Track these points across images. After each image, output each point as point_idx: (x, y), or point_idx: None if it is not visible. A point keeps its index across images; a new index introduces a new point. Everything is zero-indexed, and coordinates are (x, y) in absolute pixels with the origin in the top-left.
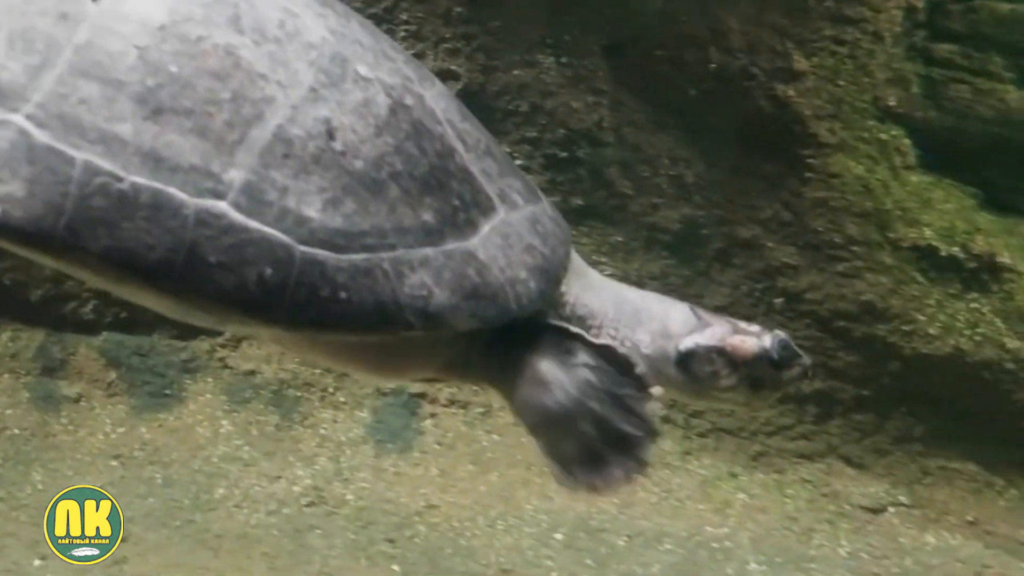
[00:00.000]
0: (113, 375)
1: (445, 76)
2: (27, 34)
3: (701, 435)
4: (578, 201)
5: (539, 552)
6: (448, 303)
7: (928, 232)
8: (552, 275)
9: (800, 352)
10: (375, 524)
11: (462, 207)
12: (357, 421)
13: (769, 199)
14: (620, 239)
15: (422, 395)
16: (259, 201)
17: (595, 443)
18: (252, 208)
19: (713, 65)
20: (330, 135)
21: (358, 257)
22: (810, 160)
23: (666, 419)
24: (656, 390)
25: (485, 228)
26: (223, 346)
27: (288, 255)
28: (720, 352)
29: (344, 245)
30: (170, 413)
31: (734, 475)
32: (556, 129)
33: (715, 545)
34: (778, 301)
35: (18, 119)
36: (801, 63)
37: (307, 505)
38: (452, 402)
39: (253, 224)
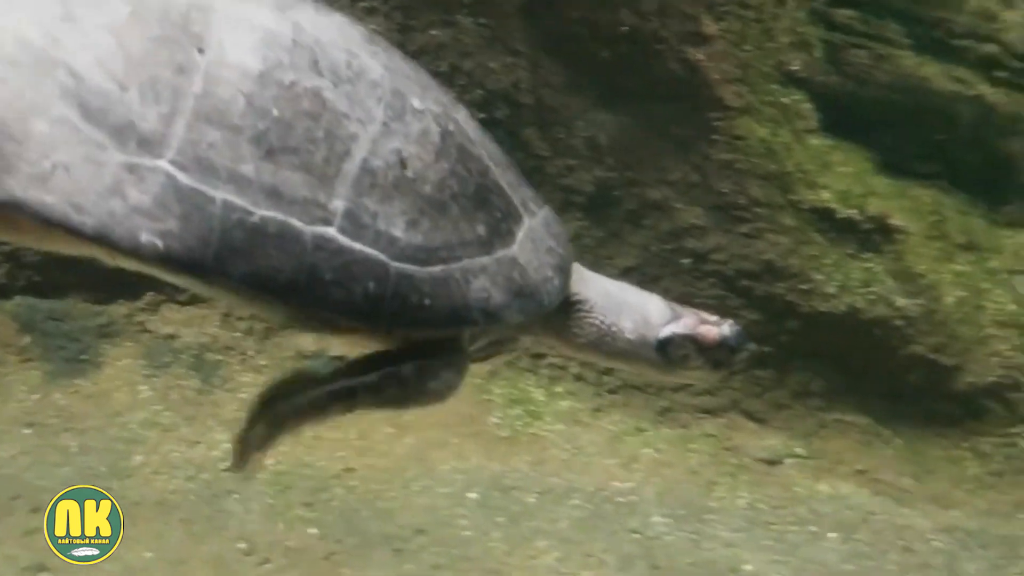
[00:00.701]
0: (27, 340)
1: None
2: (154, 86)
3: (611, 391)
4: None
5: (453, 512)
6: (503, 303)
7: (827, 195)
8: (568, 272)
9: (749, 339)
10: (293, 488)
11: (502, 218)
12: None
13: (678, 161)
14: None
15: (341, 358)
16: (359, 225)
17: None
18: (354, 232)
19: (625, 28)
20: (403, 164)
21: (436, 269)
22: (717, 123)
23: (578, 377)
24: None
25: (520, 235)
26: (142, 310)
27: (385, 271)
28: (691, 339)
29: (425, 259)
30: (86, 379)
31: (641, 430)
32: (475, 90)
33: (621, 499)
34: (685, 261)
35: (164, 165)
36: (710, 27)
37: (225, 470)
38: None
39: (356, 246)
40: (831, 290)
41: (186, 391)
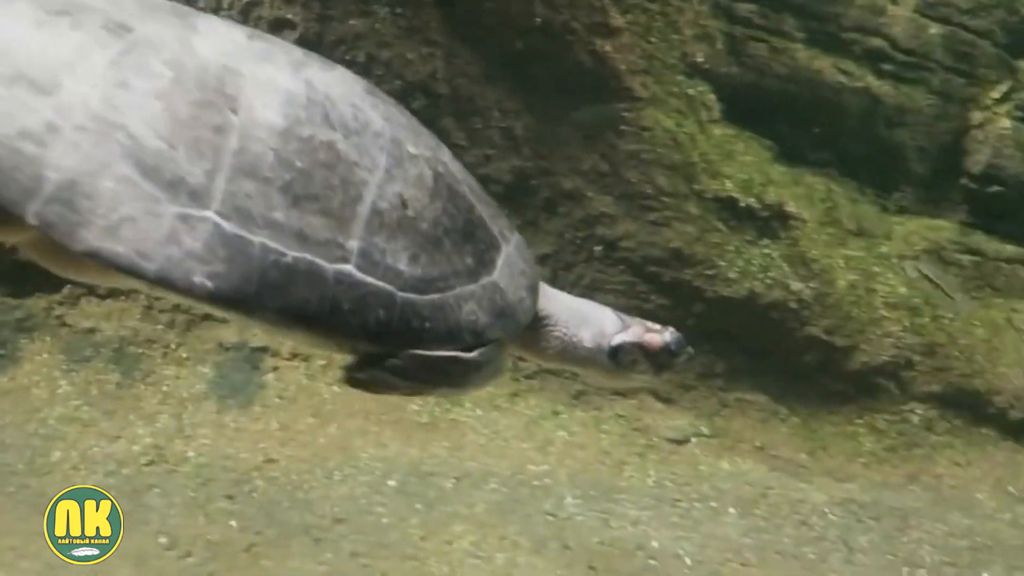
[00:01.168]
0: None
1: (281, 25)
2: (198, 144)
3: (528, 377)
4: None
5: (372, 499)
6: (488, 323)
7: (729, 184)
8: (536, 291)
9: (688, 344)
10: (215, 481)
11: (485, 249)
12: (200, 376)
13: (589, 151)
14: None
15: (264, 348)
16: (371, 262)
17: None
18: (367, 268)
19: (538, 19)
20: (404, 205)
21: (434, 296)
22: (625, 113)
23: None
24: None
25: (499, 262)
26: (61, 303)
27: (392, 300)
28: (638, 346)
29: (424, 288)
30: (3, 374)
31: (556, 413)
32: (393, 80)
33: (536, 482)
34: (597, 248)
35: (211, 215)
36: (617, 19)
37: (147, 464)
38: (294, 355)
39: (369, 280)
40: (732, 275)
41: (106, 385)
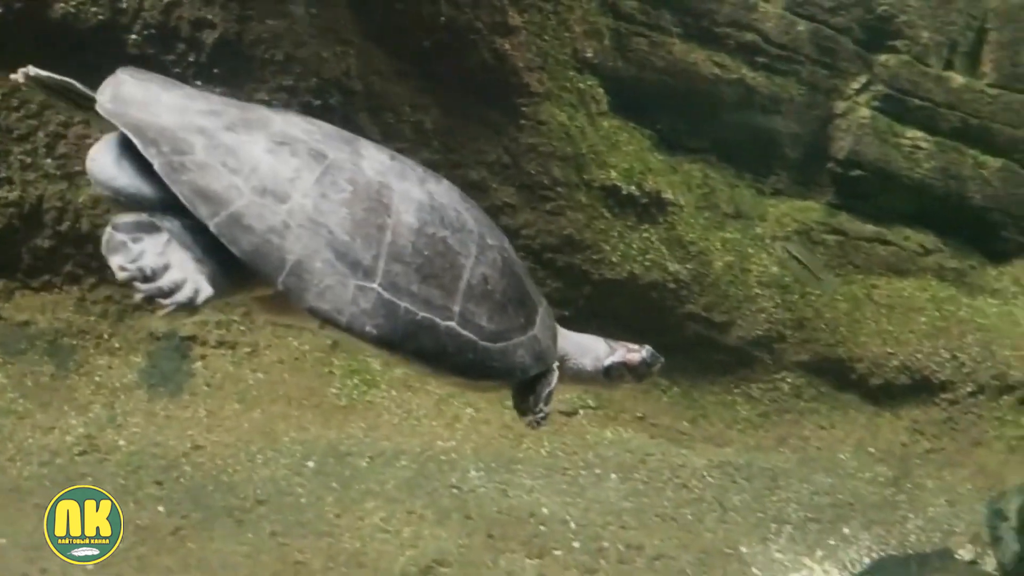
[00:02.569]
0: None
1: (202, 25)
2: (367, 239)
3: None
4: None
5: (292, 481)
6: (531, 364)
7: (614, 173)
8: (557, 339)
9: (660, 357)
10: (144, 468)
11: (529, 311)
12: (132, 366)
13: (493, 144)
14: None
15: (192, 337)
16: (465, 320)
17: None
18: (463, 324)
19: (443, 18)
20: (486, 282)
21: (500, 344)
22: (524, 108)
23: None
24: None
25: (537, 319)
26: None
27: (476, 346)
28: (624, 364)
29: (495, 339)
30: None
31: (464, 391)
32: (309, 78)
33: (443, 458)
34: None
35: (376, 287)
36: (515, 18)
37: (79, 454)
38: (221, 343)
39: (465, 333)
40: (616, 259)
41: (40, 377)
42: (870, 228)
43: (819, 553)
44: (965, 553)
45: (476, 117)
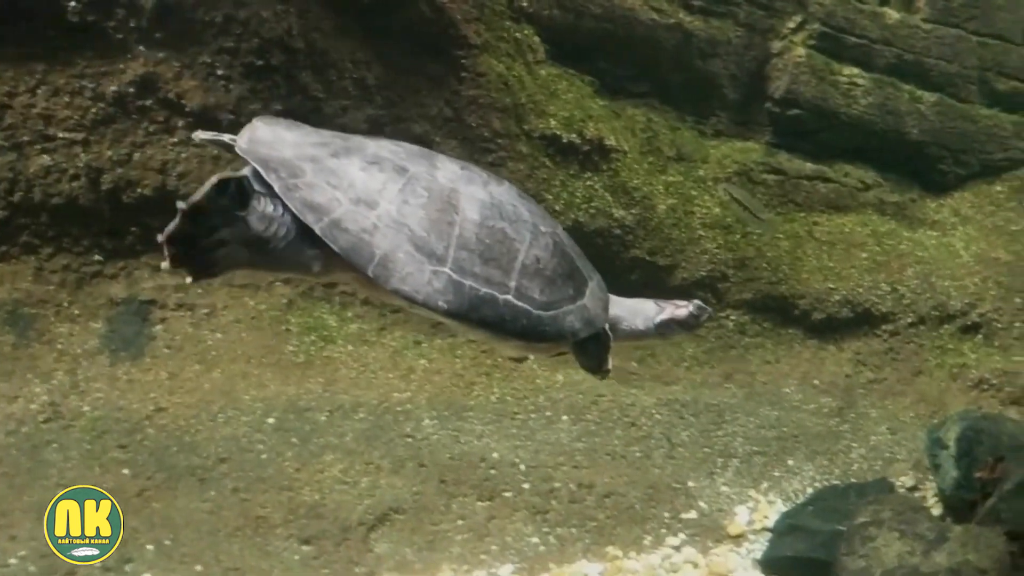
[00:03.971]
0: None
1: None
2: (440, 233)
3: (394, 311)
4: (277, 106)
5: (252, 438)
6: (582, 327)
7: (553, 122)
8: (607, 307)
9: (708, 308)
10: (108, 432)
11: (579, 285)
12: (92, 332)
13: (435, 98)
14: None
15: (152, 301)
16: (521, 294)
17: None
18: (519, 296)
19: None
20: (538, 261)
21: (552, 312)
22: (463, 61)
23: (365, 301)
24: None
25: (587, 291)
26: None
27: (531, 315)
28: (673, 320)
29: (547, 307)
30: None
31: (418, 343)
32: (251, 39)
33: (399, 409)
34: None
35: (447, 271)
36: None
37: (44, 421)
38: (180, 305)
39: (521, 304)
40: (559, 208)
41: (2, 347)
42: (810, 166)
43: (764, 485)
44: (907, 480)
45: (417, 71)
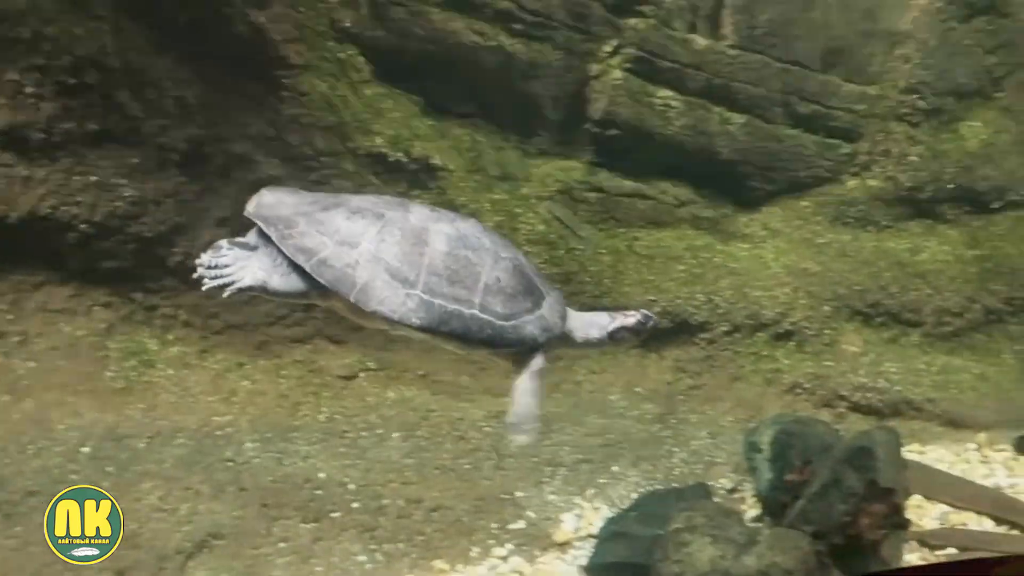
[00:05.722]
0: None
1: None
2: (412, 263)
3: (216, 332)
4: (93, 126)
5: (65, 468)
6: (539, 336)
7: (379, 140)
8: (565, 318)
9: (652, 315)
10: None
11: (537, 299)
12: None
13: (255, 117)
14: (136, 160)
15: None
16: (484, 308)
17: None
18: (483, 311)
19: None
20: (499, 281)
21: (513, 322)
22: (284, 80)
23: (187, 323)
24: None
25: (544, 303)
26: None
27: (494, 324)
28: (623, 327)
29: (508, 318)
30: None
31: (241, 365)
32: (62, 56)
33: (219, 433)
34: None
35: (418, 293)
36: None
37: None
38: None
39: (485, 316)
40: None
41: None
42: (629, 184)
43: (590, 491)
44: (727, 482)
45: (238, 90)
